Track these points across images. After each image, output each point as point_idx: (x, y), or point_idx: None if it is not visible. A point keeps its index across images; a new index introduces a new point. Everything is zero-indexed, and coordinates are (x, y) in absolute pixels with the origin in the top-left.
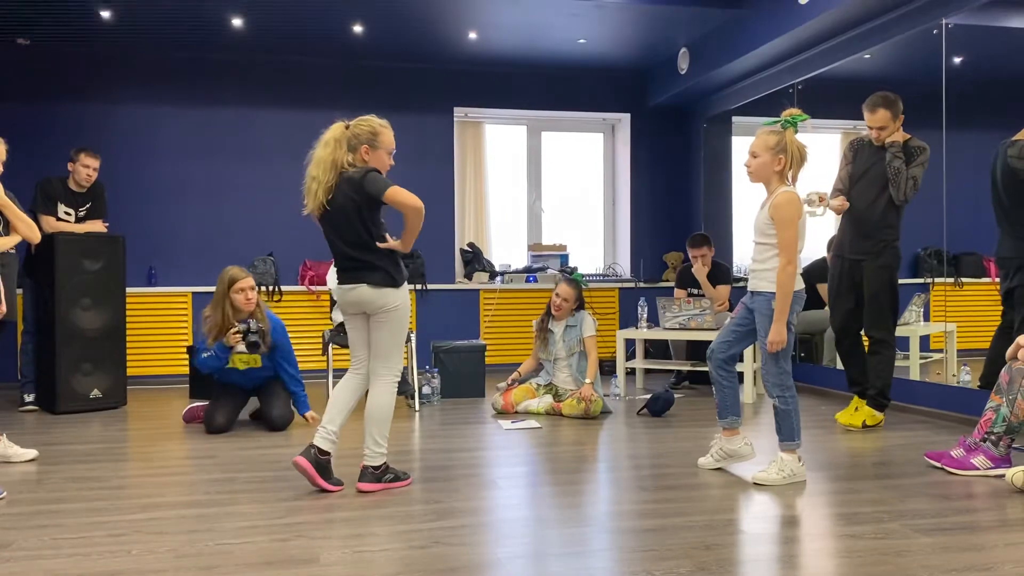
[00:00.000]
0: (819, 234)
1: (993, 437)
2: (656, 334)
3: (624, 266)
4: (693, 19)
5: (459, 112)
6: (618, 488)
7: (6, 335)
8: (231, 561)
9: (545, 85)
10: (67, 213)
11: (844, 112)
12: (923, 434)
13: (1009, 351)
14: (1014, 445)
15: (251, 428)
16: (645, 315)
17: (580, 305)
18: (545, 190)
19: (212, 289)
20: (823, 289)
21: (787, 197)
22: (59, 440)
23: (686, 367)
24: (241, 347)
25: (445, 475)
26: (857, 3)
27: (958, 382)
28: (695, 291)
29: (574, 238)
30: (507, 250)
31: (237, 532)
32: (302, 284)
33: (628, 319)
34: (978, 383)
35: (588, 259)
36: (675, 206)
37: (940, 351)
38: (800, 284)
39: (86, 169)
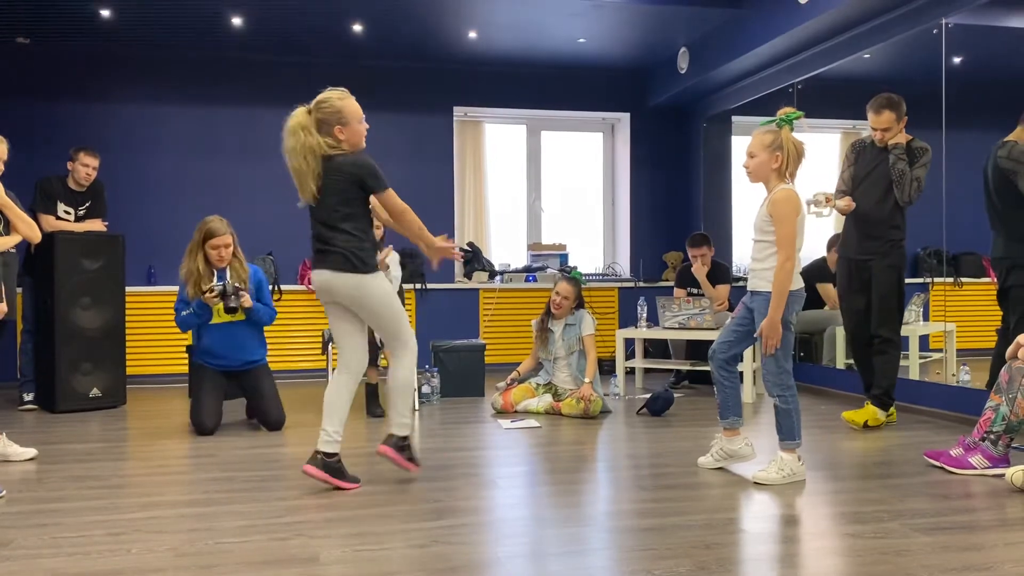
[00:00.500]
0: (818, 234)
1: (992, 436)
2: (655, 333)
3: (624, 265)
4: (693, 19)
5: (459, 111)
6: (617, 487)
7: (6, 334)
8: (230, 560)
9: (545, 84)
10: (66, 212)
11: (844, 112)
12: (923, 434)
13: (1009, 350)
14: (1013, 444)
15: (250, 428)
16: (644, 315)
17: (579, 304)
18: (545, 190)
19: None
20: (823, 289)
21: (785, 194)
22: (58, 439)
23: (685, 367)
24: (220, 303)
25: (445, 474)
26: (857, 3)
27: (958, 382)
28: (695, 290)
29: (574, 237)
30: (507, 249)
31: (236, 531)
32: (301, 283)
33: (627, 318)
34: (986, 386)
35: (588, 258)
36: (674, 206)
37: (940, 351)
38: (799, 283)
39: (85, 168)
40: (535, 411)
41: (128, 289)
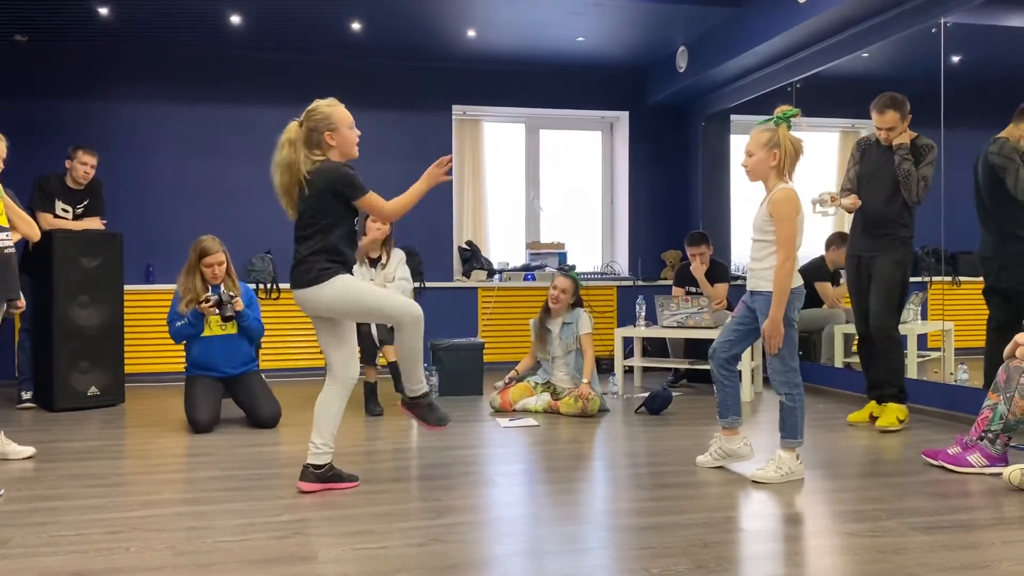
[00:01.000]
0: (818, 233)
1: (990, 435)
2: (654, 332)
3: (622, 264)
4: (692, 17)
5: (457, 110)
6: (616, 486)
7: (4, 332)
8: (229, 558)
9: (544, 83)
10: (64, 210)
11: (842, 111)
12: (921, 432)
13: (1007, 349)
14: (1011, 443)
15: (249, 426)
16: (643, 313)
17: (577, 303)
18: (543, 188)
19: None
20: (820, 288)
21: (785, 194)
22: (56, 437)
23: (684, 365)
24: (217, 314)
25: (443, 473)
26: (856, 2)
27: (956, 380)
28: (693, 289)
29: (572, 236)
30: (505, 248)
31: (235, 529)
32: None
33: (626, 317)
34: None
35: (586, 257)
36: (673, 204)
37: (938, 350)
38: (799, 281)
39: (84, 166)
40: (533, 410)
41: (126, 287)
